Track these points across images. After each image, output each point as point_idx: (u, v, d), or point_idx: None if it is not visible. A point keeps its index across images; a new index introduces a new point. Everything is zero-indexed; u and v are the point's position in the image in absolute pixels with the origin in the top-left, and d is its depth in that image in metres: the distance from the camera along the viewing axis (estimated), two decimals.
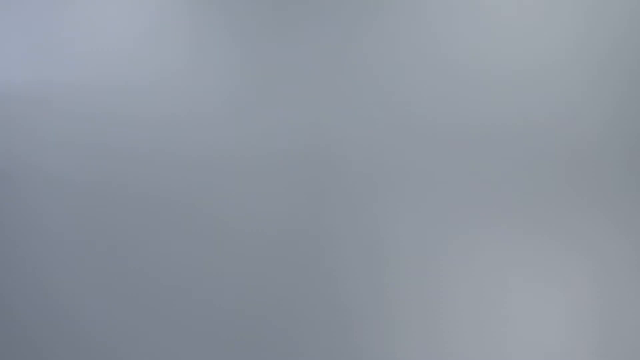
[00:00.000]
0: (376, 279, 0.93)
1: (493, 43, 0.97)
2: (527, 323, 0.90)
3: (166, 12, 1.01)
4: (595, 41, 0.96)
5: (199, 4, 1.02)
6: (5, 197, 0.95)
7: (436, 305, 0.92)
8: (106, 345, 0.90)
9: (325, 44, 0.99)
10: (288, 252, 0.95)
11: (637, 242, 0.91)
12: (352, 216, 0.94)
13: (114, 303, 0.92)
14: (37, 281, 0.93)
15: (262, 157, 0.96)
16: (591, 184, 0.93)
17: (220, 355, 0.91)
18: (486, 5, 0.98)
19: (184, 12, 1.01)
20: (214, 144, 0.97)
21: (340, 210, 0.94)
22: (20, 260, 0.93)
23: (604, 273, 0.91)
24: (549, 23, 0.97)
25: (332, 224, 0.94)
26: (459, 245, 0.92)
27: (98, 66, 1.00)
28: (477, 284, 0.92)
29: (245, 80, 0.99)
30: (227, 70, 1.00)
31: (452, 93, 0.96)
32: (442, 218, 0.93)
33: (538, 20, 0.97)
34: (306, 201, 0.93)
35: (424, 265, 0.93)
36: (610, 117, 0.94)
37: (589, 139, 0.94)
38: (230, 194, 0.96)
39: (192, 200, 0.95)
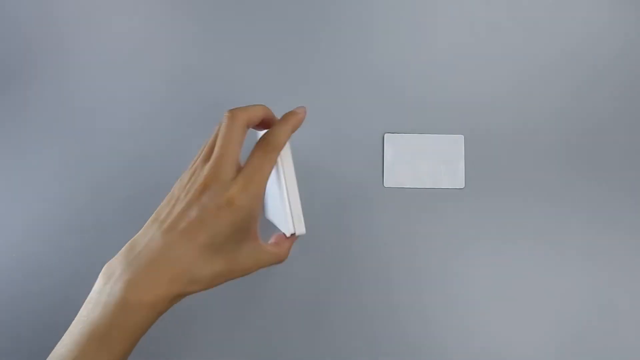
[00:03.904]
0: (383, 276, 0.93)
1: (493, 42, 0.98)
2: (529, 325, 0.90)
3: (166, 13, 1.01)
4: (596, 41, 0.97)
5: (199, 4, 1.02)
6: None
7: (437, 304, 0.92)
8: None
9: (325, 45, 0.99)
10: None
11: (637, 242, 0.92)
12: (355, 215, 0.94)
13: None
14: (38, 281, 0.93)
15: None
16: (591, 184, 0.94)
17: (222, 354, 0.91)
18: (487, 4, 0.99)
19: (184, 12, 1.01)
20: None
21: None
22: (20, 260, 0.94)
23: (604, 273, 0.92)
24: (549, 21, 0.98)
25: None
26: (457, 246, 0.93)
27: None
28: (475, 286, 0.93)
29: (246, 80, 0.99)
30: (226, 70, 1.00)
31: (451, 92, 0.97)
32: (442, 219, 0.93)
33: (538, 19, 0.98)
34: (309, 206, 0.91)
35: (416, 262, 0.93)
36: (610, 117, 0.95)
37: (588, 138, 0.95)
38: None
39: None
